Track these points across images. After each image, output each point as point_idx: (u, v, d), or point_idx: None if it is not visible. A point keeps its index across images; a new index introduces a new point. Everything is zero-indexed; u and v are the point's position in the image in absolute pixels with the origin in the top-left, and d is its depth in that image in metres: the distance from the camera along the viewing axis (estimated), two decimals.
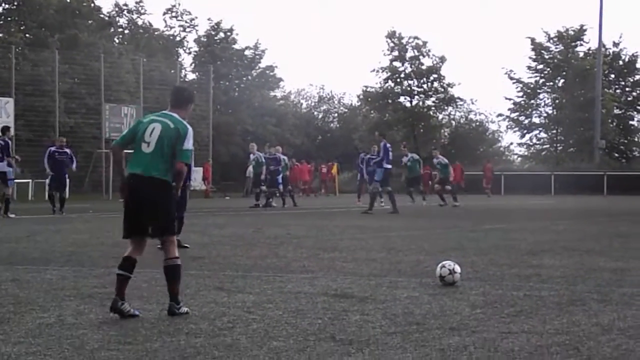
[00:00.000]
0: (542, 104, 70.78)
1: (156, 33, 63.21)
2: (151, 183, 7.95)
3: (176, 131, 8.03)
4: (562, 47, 68.73)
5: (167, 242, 8.12)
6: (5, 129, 26.07)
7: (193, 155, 13.49)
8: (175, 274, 8.00)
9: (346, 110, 75.79)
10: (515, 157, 78.28)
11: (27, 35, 50.44)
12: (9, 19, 51.64)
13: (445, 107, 70.48)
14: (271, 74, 64.69)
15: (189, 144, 8.06)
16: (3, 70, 43.04)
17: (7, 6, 51.46)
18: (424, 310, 8.07)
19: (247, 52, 63.88)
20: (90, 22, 53.73)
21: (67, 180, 28.10)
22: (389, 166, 27.11)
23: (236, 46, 63.85)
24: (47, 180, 27.68)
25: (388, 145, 27.28)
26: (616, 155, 69.32)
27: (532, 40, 69.33)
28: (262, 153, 31.71)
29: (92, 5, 55.66)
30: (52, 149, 27.47)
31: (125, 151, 8.50)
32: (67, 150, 27.72)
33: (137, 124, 8.36)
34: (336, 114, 75.88)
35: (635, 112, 71.80)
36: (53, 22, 49.98)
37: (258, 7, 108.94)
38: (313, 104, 76.03)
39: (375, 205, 27.27)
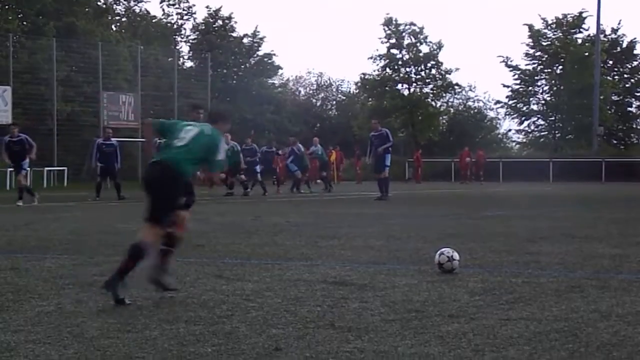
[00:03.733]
0: (540, 91, 70.79)
1: (154, 21, 63.12)
2: (166, 167, 8.12)
3: (211, 138, 8.29)
4: (560, 34, 68.63)
5: (146, 226, 8.22)
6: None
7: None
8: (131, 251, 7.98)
9: (344, 97, 75.77)
10: (514, 144, 78.32)
11: (25, 23, 50.34)
12: (7, 6, 51.50)
13: (444, 94, 70.46)
14: (269, 61, 64.62)
15: (221, 155, 8.35)
16: (0, 58, 42.96)
17: None
18: (422, 298, 8.08)
19: (245, 40, 63.81)
20: (87, 9, 53.61)
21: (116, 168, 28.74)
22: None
23: (234, 34, 63.79)
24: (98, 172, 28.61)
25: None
26: (614, 142, 69.36)
27: (530, 26, 69.26)
28: (236, 143, 31.68)
29: None
30: (100, 141, 28.84)
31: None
32: (114, 142, 28.76)
33: (176, 123, 8.60)
34: (334, 102, 75.86)
35: (633, 99, 71.82)
36: (50, 10, 49.87)
37: None
38: (311, 91, 76.00)
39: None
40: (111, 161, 28.10)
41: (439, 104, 70.96)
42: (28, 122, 41.48)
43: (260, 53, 64.37)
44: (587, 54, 65.26)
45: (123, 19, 61.92)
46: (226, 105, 56.95)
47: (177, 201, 8.35)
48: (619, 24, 73.54)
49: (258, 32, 64.01)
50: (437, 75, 68.00)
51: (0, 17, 50.60)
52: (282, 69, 68.41)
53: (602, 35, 64.73)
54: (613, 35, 70.44)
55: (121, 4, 61.84)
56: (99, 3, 56.87)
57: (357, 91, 74.12)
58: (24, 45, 45.91)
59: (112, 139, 28.88)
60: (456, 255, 9.71)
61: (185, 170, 8.19)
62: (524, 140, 75.42)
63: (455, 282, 9.04)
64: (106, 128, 32.63)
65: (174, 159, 8.14)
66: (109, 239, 13.94)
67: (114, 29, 58.57)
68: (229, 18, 63.55)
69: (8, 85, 40.24)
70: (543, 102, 70.67)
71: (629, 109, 72.02)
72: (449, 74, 67.93)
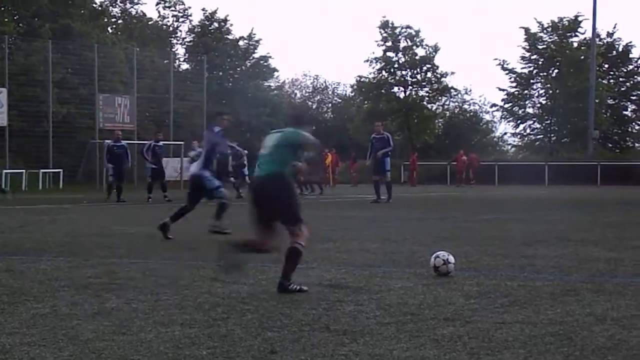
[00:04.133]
0: (536, 94, 70.85)
1: (150, 23, 63.11)
2: (267, 179, 8.90)
3: (292, 135, 9.01)
4: (556, 37, 68.71)
5: (292, 231, 9.13)
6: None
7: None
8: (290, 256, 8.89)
9: (340, 100, 75.81)
10: (509, 147, 78.37)
11: (20, 24, 50.29)
12: (2, 8, 51.45)
13: (439, 98, 70.54)
14: (265, 64, 64.63)
15: (306, 138, 9.06)
16: None
17: None
18: (418, 301, 8.08)
19: (241, 43, 63.83)
20: (83, 11, 53.57)
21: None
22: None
23: (230, 36, 63.80)
24: (110, 172, 29.16)
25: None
26: (610, 145, 69.43)
27: (526, 30, 69.33)
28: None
29: None
30: (110, 143, 29.62)
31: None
32: (124, 143, 29.48)
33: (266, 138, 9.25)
34: (330, 104, 75.89)
35: (629, 103, 71.90)
36: (46, 12, 49.82)
37: None
38: (307, 94, 76.02)
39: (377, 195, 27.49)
40: (122, 162, 28.54)
41: (434, 107, 71.04)
42: (23, 124, 41.48)
43: (256, 55, 64.40)
44: (582, 57, 65.35)
45: (119, 21, 61.92)
46: (222, 107, 56.90)
47: (295, 199, 9.12)
48: (614, 27, 73.56)
49: (254, 34, 64.10)
50: (433, 79, 68.10)
51: None
52: (278, 71, 68.56)
53: (597, 39, 64.83)
54: (609, 39, 70.54)
55: (117, 6, 61.87)
56: (94, 5, 56.84)
57: (352, 94, 74.17)
58: (20, 47, 45.88)
59: (122, 141, 29.49)
60: (452, 259, 9.72)
61: (280, 172, 8.88)
62: (520, 144, 75.47)
63: (451, 285, 9.05)
64: (115, 130, 33.04)
65: (268, 169, 8.89)
66: (104, 241, 13.94)
67: (110, 31, 58.54)
68: (225, 20, 63.58)
69: (4, 87, 40.19)
70: (539, 105, 70.76)
71: (625, 112, 72.10)
72: (445, 77, 68.08)
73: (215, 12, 63.57)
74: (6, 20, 49.97)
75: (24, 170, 39.06)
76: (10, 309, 7.63)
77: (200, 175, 15.31)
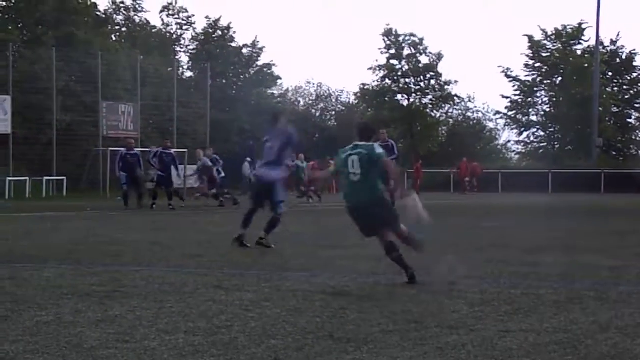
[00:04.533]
0: (540, 102, 70.81)
1: (153, 30, 63.17)
2: (367, 205, 9.92)
3: (367, 152, 9.91)
4: (560, 45, 68.70)
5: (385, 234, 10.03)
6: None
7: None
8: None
9: (344, 108, 75.78)
10: (513, 155, 78.27)
11: (25, 32, 50.39)
12: (6, 16, 51.55)
13: (443, 105, 70.53)
14: (269, 72, 64.65)
15: (378, 149, 10.05)
16: (0, 68, 42.96)
17: (4, 4, 51.42)
18: (421, 309, 8.08)
19: (244, 50, 63.85)
20: (87, 19, 53.63)
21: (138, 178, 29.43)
22: None
23: (233, 44, 63.82)
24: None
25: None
26: (613, 153, 69.33)
27: (530, 38, 69.33)
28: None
29: (89, 2, 55.60)
30: (124, 151, 29.53)
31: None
32: (137, 151, 29.86)
33: (343, 159, 10.03)
34: (334, 112, 75.86)
35: (633, 111, 71.80)
36: (50, 20, 49.91)
37: (255, 4, 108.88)
38: (310, 101, 76.01)
39: None
40: (135, 170, 28.75)
41: (438, 114, 71.02)
42: (27, 132, 41.52)
43: (259, 63, 64.39)
44: (586, 65, 65.29)
45: (123, 29, 61.97)
46: (225, 115, 56.98)
47: (394, 212, 10.23)
48: (618, 35, 73.32)
49: (257, 42, 64.10)
50: (437, 86, 68.12)
51: (0, 27, 50.70)
52: (281, 79, 68.45)
53: (601, 47, 64.80)
54: (612, 47, 70.46)
55: (121, 13, 61.92)
56: (98, 13, 56.92)
57: (356, 102, 74.15)
58: (24, 55, 45.95)
59: (135, 149, 29.56)
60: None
61: (375, 193, 9.95)
62: (523, 151, 75.37)
63: (455, 293, 9.04)
64: (128, 138, 33.10)
65: (369, 195, 9.87)
66: (108, 248, 13.94)
67: (114, 38, 58.63)
68: (228, 28, 63.61)
69: (8, 95, 40.24)
70: (542, 113, 70.71)
71: (628, 120, 71.98)
72: (449, 85, 68.09)
73: (218, 19, 63.64)
74: (10, 28, 50.09)
75: (27, 178, 39.09)
76: (14, 317, 7.62)
77: (275, 181, 14.63)
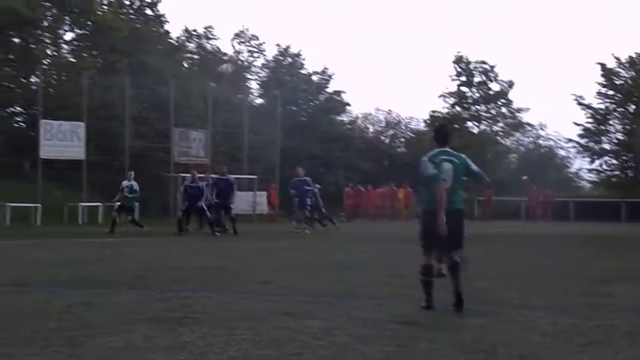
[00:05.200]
0: (613, 130, 69.81)
1: (224, 58, 63.78)
2: (455, 213, 9.75)
3: (462, 165, 9.92)
4: (634, 73, 67.76)
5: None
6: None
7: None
8: (456, 271, 9.80)
9: (413, 135, 75.58)
10: (585, 183, 77.17)
11: (99, 60, 51.23)
12: (81, 44, 52.51)
13: (513, 133, 69.99)
14: (338, 98, 64.82)
15: (474, 166, 10.08)
16: (75, 95, 43.70)
17: (79, 32, 52.37)
18: (492, 339, 7.98)
19: (314, 77, 64.15)
20: (159, 47, 54.38)
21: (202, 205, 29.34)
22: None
23: (303, 71, 64.16)
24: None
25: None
26: None
27: (603, 65, 68.51)
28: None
29: (162, 30, 56.42)
30: (185, 184, 30.10)
31: None
32: (199, 185, 29.59)
33: (437, 165, 9.80)
34: (403, 139, 75.71)
35: None
36: (123, 47, 50.70)
37: (325, 32, 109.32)
38: (380, 128, 75.97)
39: None
40: (196, 201, 28.94)
41: (508, 142, 70.45)
42: (100, 158, 42.11)
43: (329, 90, 64.61)
44: None
45: (195, 56, 62.68)
46: (295, 141, 57.20)
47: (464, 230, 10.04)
48: None
49: (327, 69, 64.35)
50: (508, 114, 67.65)
51: (75, 54, 51.66)
52: (350, 105, 68.50)
53: None
54: None
55: (193, 41, 62.66)
56: (171, 40, 57.67)
57: (426, 128, 73.92)
58: (98, 82, 46.69)
59: (199, 182, 29.61)
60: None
61: (461, 204, 9.95)
62: (596, 180, 74.31)
63: (526, 323, 8.92)
64: (192, 169, 33.32)
65: (451, 201, 9.73)
66: (177, 274, 14.03)
67: (186, 65, 59.31)
68: (298, 55, 64.00)
69: (82, 122, 40.90)
70: (615, 141, 69.70)
71: None
72: (520, 112, 67.60)
73: (288, 47, 64.06)
74: (85, 55, 51.00)
75: (100, 204, 39.59)
76: (87, 342, 7.71)
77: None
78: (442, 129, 10.77)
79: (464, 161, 10.02)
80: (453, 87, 67.82)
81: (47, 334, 8.01)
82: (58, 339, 7.80)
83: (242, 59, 64.69)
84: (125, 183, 31.34)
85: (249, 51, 64.82)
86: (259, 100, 63.90)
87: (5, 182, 38.18)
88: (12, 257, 18.26)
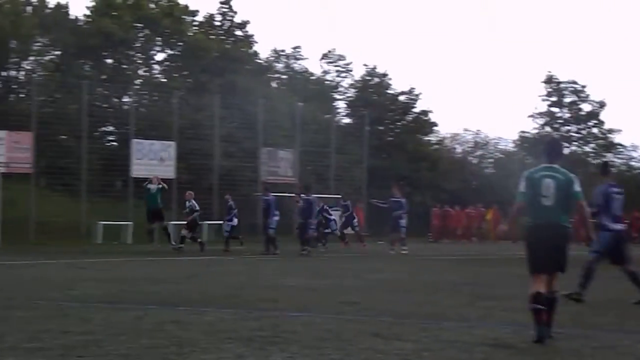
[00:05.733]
0: None
1: (312, 78, 64.10)
2: (558, 229, 9.32)
3: (566, 182, 9.40)
4: None
5: (555, 277, 9.50)
6: None
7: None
8: (553, 305, 9.36)
9: (502, 155, 74.88)
10: None
11: (189, 80, 51.91)
12: (172, 64, 53.34)
13: (605, 154, 68.86)
14: (425, 118, 64.59)
15: (577, 187, 9.44)
16: (166, 114, 44.35)
17: (170, 52, 53.21)
18: None
19: (401, 97, 64.05)
20: (248, 67, 54.91)
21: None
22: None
23: (390, 91, 64.12)
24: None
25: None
26: None
27: None
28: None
29: (251, 50, 56.99)
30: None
31: None
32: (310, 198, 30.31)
33: (531, 179, 9.55)
34: (491, 159, 75.07)
35: None
36: (213, 68, 51.33)
37: (412, 51, 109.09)
38: (468, 149, 75.45)
39: None
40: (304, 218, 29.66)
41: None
42: (190, 177, 42.62)
43: (416, 110, 64.42)
44: None
45: (283, 76, 63.13)
46: (382, 161, 57.14)
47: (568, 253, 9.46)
48: None
49: (414, 88, 64.18)
50: (599, 134, 66.63)
51: (166, 74, 52.49)
52: (437, 125, 68.13)
53: None
54: None
55: (281, 61, 63.14)
56: (259, 60, 58.19)
57: (515, 149, 73.18)
58: (188, 102, 47.31)
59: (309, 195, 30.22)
60: None
61: (566, 223, 9.38)
62: None
63: (621, 348, 8.74)
64: (265, 182, 33.62)
65: (555, 217, 9.29)
66: (267, 294, 14.08)
67: (274, 85, 59.76)
68: (385, 75, 64.00)
69: (173, 141, 41.47)
70: None
71: None
72: (611, 133, 66.53)
73: (375, 67, 64.11)
74: (175, 75, 51.79)
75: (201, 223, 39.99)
76: None
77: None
78: (552, 144, 10.43)
79: (570, 179, 9.44)
80: (543, 107, 67.09)
81: (140, 351, 8.11)
82: (150, 356, 7.89)
83: (330, 78, 64.91)
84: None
85: (337, 71, 65.05)
86: (346, 120, 64.01)
87: (98, 200, 38.88)
88: (106, 274, 18.56)
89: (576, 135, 66.79)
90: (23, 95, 46.08)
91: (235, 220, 32.47)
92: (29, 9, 48.08)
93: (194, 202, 31.51)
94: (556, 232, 9.32)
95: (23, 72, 47.33)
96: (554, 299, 9.40)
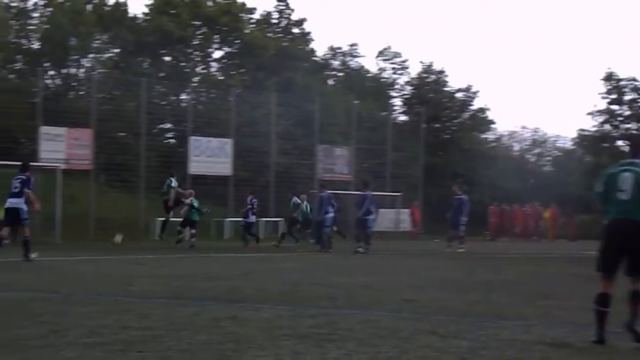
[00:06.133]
0: None
1: (368, 75, 64.05)
2: (633, 226, 8.91)
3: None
4: None
5: (637, 279, 9.13)
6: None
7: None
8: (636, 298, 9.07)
9: (560, 153, 74.20)
10: None
11: (246, 77, 52.16)
12: (229, 62, 53.65)
13: None
14: (482, 116, 64.20)
15: None
16: (224, 111, 44.61)
17: (227, 50, 53.53)
18: None
19: (458, 94, 63.75)
20: (305, 64, 55.04)
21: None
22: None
23: (447, 88, 63.85)
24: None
25: None
26: None
27: None
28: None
29: (307, 48, 57.14)
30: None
31: None
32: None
33: (608, 175, 9.24)
34: (549, 157, 74.42)
35: None
36: (270, 65, 51.54)
37: (470, 48, 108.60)
38: (526, 146, 74.87)
39: None
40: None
41: None
42: (247, 174, 42.84)
43: (473, 107, 64.06)
44: None
45: (339, 74, 63.17)
46: (438, 159, 56.93)
47: None
48: None
49: (471, 86, 63.84)
50: None
51: (223, 72, 52.81)
52: (495, 123, 67.71)
53: None
54: None
55: (338, 59, 63.19)
56: (316, 58, 58.29)
57: (573, 147, 72.45)
58: (245, 99, 47.55)
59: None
60: None
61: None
62: None
63: None
64: (321, 179, 33.73)
65: (635, 214, 8.90)
66: (323, 290, 14.11)
67: (331, 83, 59.82)
68: (441, 72, 63.73)
69: (230, 138, 41.70)
70: None
71: None
72: None
73: (431, 64, 63.87)
74: (233, 73, 52.08)
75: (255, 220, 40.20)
76: (236, 356, 7.81)
77: None
78: (634, 139, 9.98)
79: None
80: (602, 104, 66.31)
81: (198, 347, 8.17)
82: (208, 352, 7.94)
83: (386, 76, 64.82)
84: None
85: (393, 68, 64.93)
86: (402, 117, 63.86)
87: (156, 197, 39.25)
88: (163, 271, 18.74)
89: (636, 132, 65.90)
90: (82, 93, 46.68)
91: (253, 217, 32.64)
92: (89, 7, 48.65)
93: (192, 199, 31.70)
94: (629, 228, 8.92)
95: (82, 70, 47.94)
96: (636, 294, 9.19)
